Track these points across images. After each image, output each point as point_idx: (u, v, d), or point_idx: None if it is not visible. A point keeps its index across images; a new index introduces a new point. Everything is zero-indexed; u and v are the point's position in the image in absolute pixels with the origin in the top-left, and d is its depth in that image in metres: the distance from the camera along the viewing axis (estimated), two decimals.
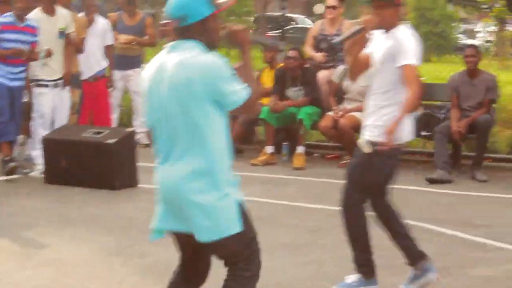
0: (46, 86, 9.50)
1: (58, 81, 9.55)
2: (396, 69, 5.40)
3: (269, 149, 10.50)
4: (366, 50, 5.60)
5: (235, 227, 3.99)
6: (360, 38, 5.55)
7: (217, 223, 3.97)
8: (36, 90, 9.52)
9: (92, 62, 10.67)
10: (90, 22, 10.68)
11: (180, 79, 3.91)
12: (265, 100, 10.70)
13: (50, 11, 9.55)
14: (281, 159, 10.61)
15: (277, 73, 10.75)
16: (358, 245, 5.63)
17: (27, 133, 9.95)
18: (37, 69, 9.44)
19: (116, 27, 11.54)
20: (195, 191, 3.95)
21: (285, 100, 10.52)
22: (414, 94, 5.37)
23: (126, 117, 12.30)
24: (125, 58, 11.54)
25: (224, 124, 4.03)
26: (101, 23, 10.88)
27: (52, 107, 9.54)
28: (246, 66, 4.12)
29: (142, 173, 8.79)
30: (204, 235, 3.97)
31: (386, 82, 5.46)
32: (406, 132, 5.50)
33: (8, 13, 9.25)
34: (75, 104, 10.28)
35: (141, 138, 11.63)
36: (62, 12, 9.69)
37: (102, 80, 10.87)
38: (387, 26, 5.50)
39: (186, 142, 3.96)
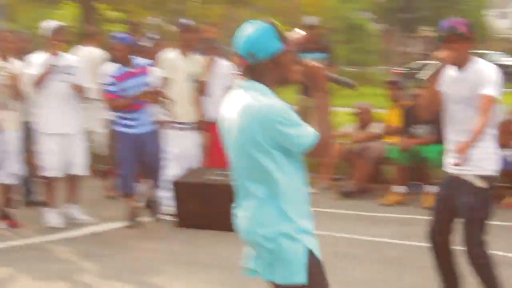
0: (176, 128, 9.65)
1: (188, 124, 9.69)
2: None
3: (399, 188, 10.36)
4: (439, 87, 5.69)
5: (298, 277, 3.87)
6: (439, 72, 5.64)
7: (281, 266, 3.88)
8: (166, 132, 9.63)
9: (217, 104, 10.72)
10: (212, 64, 10.79)
11: (243, 125, 3.82)
12: (393, 139, 10.59)
13: (185, 53, 9.70)
14: (410, 198, 10.43)
15: (405, 111, 10.61)
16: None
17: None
18: (167, 112, 9.59)
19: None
20: (265, 235, 3.88)
21: (412, 138, 10.37)
22: (485, 121, 5.42)
23: None
24: None
25: (296, 168, 3.92)
26: (225, 65, 10.96)
27: (182, 149, 9.67)
28: (321, 107, 3.93)
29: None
30: (267, 274, 3.95)
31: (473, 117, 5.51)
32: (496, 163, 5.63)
33: (112, 63, 9.23)
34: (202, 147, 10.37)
35: None
36: (195, 56, 9.85)
37: None
38: (462, 61, 5.57)
39: (257, 186, 3.88)
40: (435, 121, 10.27)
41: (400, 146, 10.30)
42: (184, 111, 9.70)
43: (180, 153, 9.68)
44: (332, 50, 11.53)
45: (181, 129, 9.66)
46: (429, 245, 5.90)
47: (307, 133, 3.80)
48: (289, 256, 3.86)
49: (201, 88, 10.03)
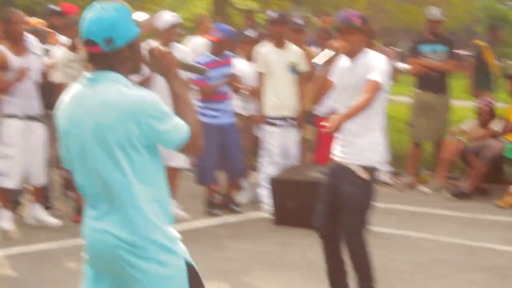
0: (275, 124, 9.32)
1: (288, 119, 9.34)
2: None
3: None
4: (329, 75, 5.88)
5: None
6: (330, 62, 5.78)
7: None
8: (265, 128, 9.35)
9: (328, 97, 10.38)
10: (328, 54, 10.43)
11: (108, 121, 3.27)
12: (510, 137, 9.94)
13: (279, 45, 9.38)
14: None
15: None
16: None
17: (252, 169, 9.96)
18: (267, 107, 9.28)
19: None
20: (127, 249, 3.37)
21: None
22: (365, 101, 5.55)
23: None
24: None
25: (161, 169, 3.46)
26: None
27: (281, 146, 9.34)
28: (181, 95, 3.45)
29: (379, 214, 8.35)
30: None
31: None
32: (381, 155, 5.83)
33: (205, 52, 9.21)
34: (310, 142, 10.02)
35: (383, 177, 11.22)
36: (292, 47, 9.50)
37: None
38: (355, 52, 5.76)
39: (115, 193, 3.34)
40: None
41: None
42: (285, 105, 9.34)
43: (278, 150, 9.33)
44: (453, 44, 10.93)
45: (281, 124, 9.31)
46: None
47: (180, 127, 3.36)
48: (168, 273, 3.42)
49: (308, 79, 9.65)
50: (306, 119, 9.70)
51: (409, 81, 11.42)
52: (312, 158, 10.14)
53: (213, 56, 9.09)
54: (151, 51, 3.47)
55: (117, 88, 3.31)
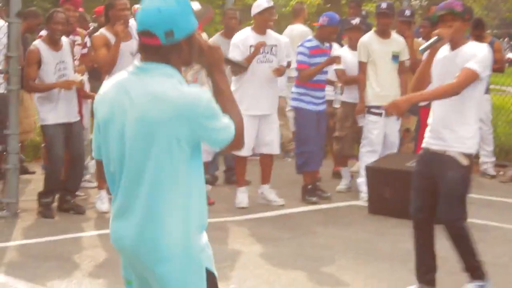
0: (379, 114, 9.20)
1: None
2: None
3: None
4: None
5: None
6: (436, 49, 5.68)
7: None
8: (368, 117, 9.25)
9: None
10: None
11: (159, 116, 3.12)
12: None
13: (383, 34, 9.27)
14: None
15: None
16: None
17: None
18: (369, 96, 9.19)
19: None
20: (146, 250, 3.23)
21: None
22: (452, 86, 5.54)
23: None
24: None
25: (200, 170, 3.29)
26: None
27: (382, 135, 9.23)
28: (224, 92, 3.29)
29: (476, 206, 8.16)
30: None
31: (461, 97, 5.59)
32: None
33: (311, 37, 9.23)
34: (412, 132, 9.87)
35: (488, 168, 10.99)
36: (396, 37, 9.37)
37: None
38: (457, 40, 5.65)
39: (154, 192, 3.18)
40: None
41: None
42: (389, 94, 9.19)
43: (379, 139, 9.24)
44: None
45: (384, 114, 9.18)
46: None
47: (228, 126, 3.20)
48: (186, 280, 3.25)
49: (411, 69, 9.50)
50: (409, 109, 9.55)
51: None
52: (413, 148, 9.98)
53: (317, 42, 9.11)
54: (201, 45, 3.31)
55: (172, 83, 3.17)
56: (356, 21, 9.97)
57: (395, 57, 9.26)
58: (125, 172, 3.22)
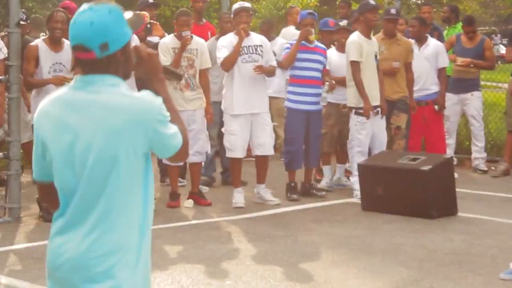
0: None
1: (377, 108, 9.39)
2: None
3: None
4: None
5: None
6: None
7: None
8: (356, 119, 9.39)
9: (423, 85, 10.44)
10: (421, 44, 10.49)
11: (115, 127, 3.04)
12: None
13: (367, 35, 9.46)
14: None
15: None
16: None
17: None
18: (357, 96, 9.34)
19: (454, 49, 11.27)
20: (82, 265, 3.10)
21: None
22: None
23: (467, 142, 11.90)
24: (462, 81, 11.16)
25: (149, 179, 3.20)
26: (434, 45, 10.57)
27: (370, 135, 9.42)
28: (165, 101, 3.16)
29: (468, 200, 8.35)
30: None
31: None
32: None
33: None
34: (402, 130, 10.08)
35: (479, 164, 11.19)
36: (374, 37, 9.68)
37: (434, 104, 10.55)
38: None
39: (111, 206, 3.08)
40: None
41: None
42: (374, 94, 9.39)
43: (368, 139, 9.43)
44: None
45: (371, 113, 9.34)
46: None
47: (177, 132, 3.15)
48: None
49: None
50: (399, 107, 9.79)
51: None
52: (404, 145, 10.17)
53: (303, 41, 9.30)
54: (139, 53, 3.24)
55: (120, 92, 3.11)
56: (343, 22, 10.24)
57: (375, 57, 9.49)
58: (81, 187, 3.09)
